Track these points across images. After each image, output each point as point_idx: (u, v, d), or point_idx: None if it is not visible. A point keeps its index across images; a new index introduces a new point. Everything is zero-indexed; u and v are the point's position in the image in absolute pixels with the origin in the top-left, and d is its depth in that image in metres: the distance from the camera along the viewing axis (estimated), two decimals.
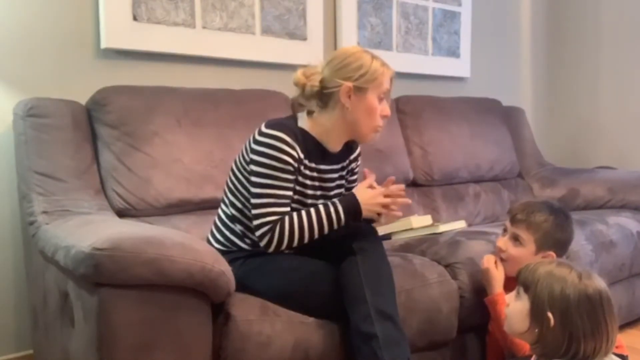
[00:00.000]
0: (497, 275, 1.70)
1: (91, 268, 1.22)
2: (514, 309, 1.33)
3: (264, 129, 1.53)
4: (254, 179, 1.52)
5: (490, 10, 3.33)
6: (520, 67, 3.56)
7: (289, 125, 1.55)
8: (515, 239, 1.71)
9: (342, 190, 1.72)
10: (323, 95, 1.57)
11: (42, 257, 1.60)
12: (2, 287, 1.95)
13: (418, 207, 2.56)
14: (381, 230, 1.67)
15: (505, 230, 1.76)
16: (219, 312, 1.42)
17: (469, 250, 1.86)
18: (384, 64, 1.58)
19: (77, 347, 1.38)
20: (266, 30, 2.40)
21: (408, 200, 1.60)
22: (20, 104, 1.83)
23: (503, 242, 1.74)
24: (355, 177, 1.77)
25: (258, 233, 1.51)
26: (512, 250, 1.71)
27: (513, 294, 1.36)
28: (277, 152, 1.49)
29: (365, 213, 1.55)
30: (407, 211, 2.49)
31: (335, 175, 1.67)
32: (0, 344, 1.95)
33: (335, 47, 2.66)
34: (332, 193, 1.66)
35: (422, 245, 1.95)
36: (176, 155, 1.93)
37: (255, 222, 1.51)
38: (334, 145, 1.63)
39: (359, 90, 1.54)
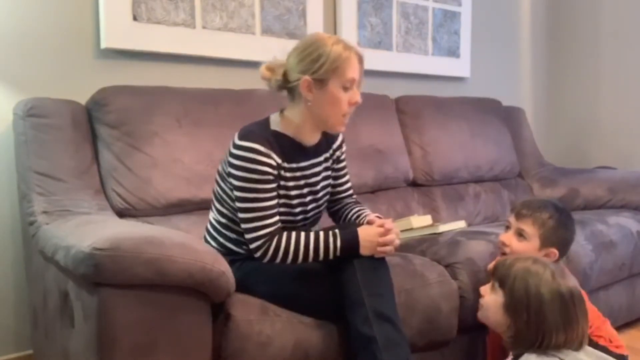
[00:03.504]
0: None
1: (91, 268, 1.22)
2: (489, 301, 1.42)
3: (237, 141, 1.49)
4: (236, 193, 1.49)
5: (490, 10, 3.33)
6: (520, 67, 3.56)
7: (260, 132, 1.51)
8: (520, 234, 1.70)
9: (330, 181, 1.70)
10: (288, 89, 1.54)
11: (42, 257, 1.60)
12: (2, 287, 1.95)
13: (418, 207, 2.56)
14: None
15: (507, 227, 1.76)
16: (219, 312, 1.42)
17: (469, 250, 1.86)
18: (347, 48, 1.49)
19: (77, 347, 1.38)
20: (266, 30, 2.40)
21: (394, 246, 1.54)
22: (20, 104, 1.83)
23: (507, 237, 1.73)
24: (342, 164, 1.74)
25: (252, 246, 1.49)
26: (516, 245, 1.70)
27: (488, 286, 1.44)
28: (254, 164, 1.46)
29: (364, 250, 1.49)
30: (407, 211, 2.49)
31: (320, 169, 1.64)
32: (0, 344, 1.95)
33: None
34: (319, 187, 1.64)
35: (422, 245, 1.95)
36: (176, 155, 1.93)
37: (248, 236, 1.50)
38: (310, 139, 1.59)
39: (320, 82, 1.48)
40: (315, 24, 2.54)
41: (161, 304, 1.29)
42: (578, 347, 1.34)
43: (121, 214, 1.83)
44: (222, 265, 1.36)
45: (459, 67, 3.14)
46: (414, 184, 2.64)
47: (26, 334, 1.97)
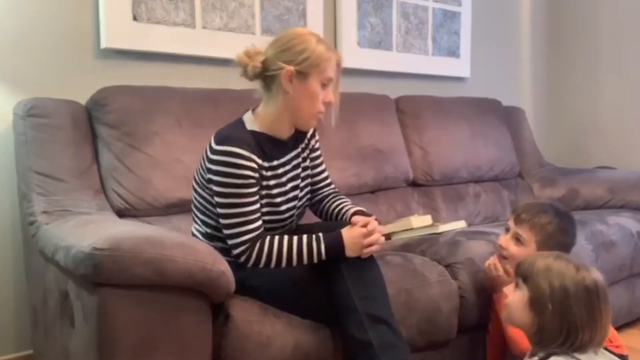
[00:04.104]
0: (505, 277, 1.70)
1: (91, 268, 1.22)
2: (513, 300, 1.38)
3: (215, 146, 1.47)
4: (217, 199, 1.47)
5: (490, 10, 3.33)
6: (520, 67, 3.56)
7: (238, 134, 1.49)
8: (517, 238, 1.70)
9: (309, 171, 1.69)
10: (266, 78, 1.54)
11: (42, 257, 1.60)
12: (2, 287, 1.95)
13: (418, 207, 2.56)
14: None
15: (507, 229, 1.76)
16: (219, 312, 1.42)
17: (469, 250, 1.86)
18: (329, 49, 1.52)
19: (77, 347, 1.38)
20: (266, 30, 2.40)
21: (379, 246, 1.51)
22: (20, 104, 1.83)
23: (505, 240, 1.73)
24: (317, 152, 1.73)
25: (235, 252, 1.48)
26: (513, 249, 1.71)
27: (512, 286, 1.41)
28: (235, 168, 1.44)
29: (349, 252, 1.47)
30: (407, 211, 2.49)
31: (299, 160, 1.64)
32: (0, 344, 1.95)
33: (335, 47, 2.66)
34: (300, 179, 1.64)
35: (422, 245, 1.95)
36: (176, 155, 1.93)
37: (231, 242, 1.48)
38: (287, 132, 1.59)
39: (301, 74, 1.49)
40: (315, 24, 2.54)
41: (161, 304, 1.29)
42: (599, 346, 1.32)
43: (121, 214, 1.83)
44: (222, 265, 1.36)
45: (459, 67, 3.14)
46: (414, 184, 2.64)
47: (26, 334, 1.97)
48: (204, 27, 2.25)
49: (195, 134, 1.98)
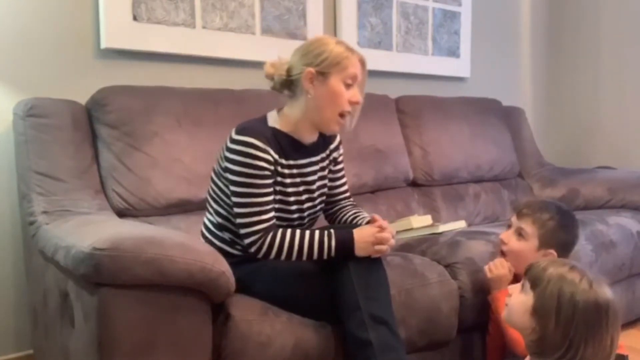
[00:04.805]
0: (504, 276, 1.70)
1: (91, 268, 1.22)
2: (516, 301, 1.32)
3: (234, 136, 1.50)
4: (232, 188, 1.50)
5: (490, 10, 3.33)
6: (520, 67, 3.56)
7: (258, 127, 1.52)
8: (519, 233, 1.71)
9: (326, 182, 1.70)
10: (290, 84, 1.57)
11: (42, 257, 1.60)
12: (2, 287, 1.95)
13: (418, 207, 2.56)
14: None
15: (509, 226, 1.76)
16: (219, 312, 1.42)
17: (469, 250, 1.86)
18: (349, 49, 1.55)
19: (77, 347, 1.38)
20: (266, 30, 2.40)
21: (389, 246, 1.52)
22: (20, 104, 1.83)
23: (506, 235, 1.74)
24: (340, 166, 1.75)
25: (246, 241, 1.49)
26: (515, 244, 1.71)
27: (518, 285, 1.35)
28: (250, 158, 1.47)
29: (359, 252, 1.48)
30: (407, 211, 2.49)
31: (316, 168, 1.64)
32: (0, 344, 1.95)
33: None
34: (315, 186, 1.64)
35: (422, 245, 1.95)
36: (176, 155, 1.93)
37: (242, 231, 1.49)
38: (308, 136, 1.61)
39: (322, 74, 1.52)
40: (315, 24, 2.54)
41: (161, 304, 1.29)
42: None
43: (121, 214, 1.83)
44: (222, 265, 1.36)
45: (459, 67, 3.14)
46: (414, 184, 2.64)
47: (26, 334, 1.97)
48: (204, 27, 2.25)
49: (195, 133, 1.98)
